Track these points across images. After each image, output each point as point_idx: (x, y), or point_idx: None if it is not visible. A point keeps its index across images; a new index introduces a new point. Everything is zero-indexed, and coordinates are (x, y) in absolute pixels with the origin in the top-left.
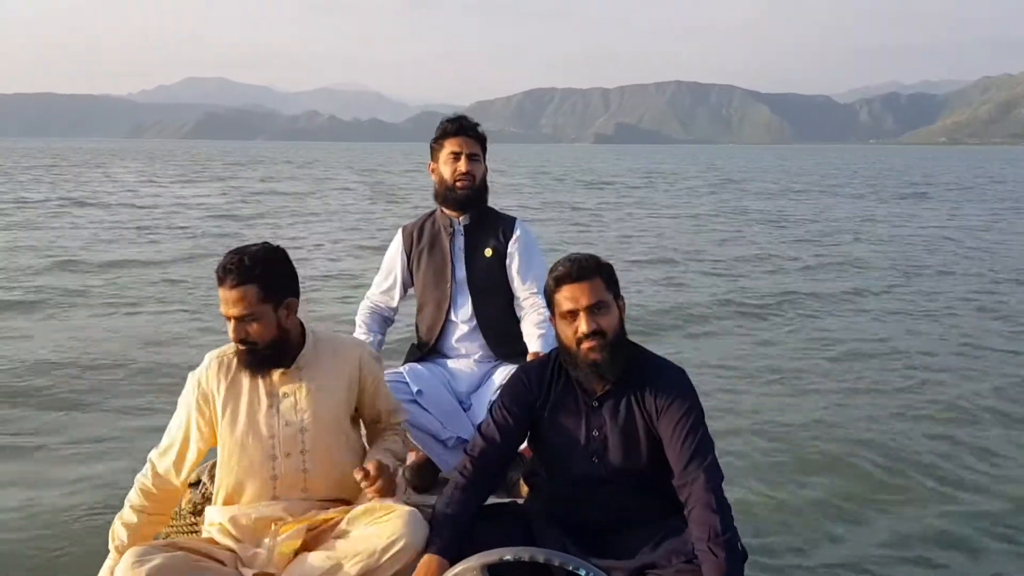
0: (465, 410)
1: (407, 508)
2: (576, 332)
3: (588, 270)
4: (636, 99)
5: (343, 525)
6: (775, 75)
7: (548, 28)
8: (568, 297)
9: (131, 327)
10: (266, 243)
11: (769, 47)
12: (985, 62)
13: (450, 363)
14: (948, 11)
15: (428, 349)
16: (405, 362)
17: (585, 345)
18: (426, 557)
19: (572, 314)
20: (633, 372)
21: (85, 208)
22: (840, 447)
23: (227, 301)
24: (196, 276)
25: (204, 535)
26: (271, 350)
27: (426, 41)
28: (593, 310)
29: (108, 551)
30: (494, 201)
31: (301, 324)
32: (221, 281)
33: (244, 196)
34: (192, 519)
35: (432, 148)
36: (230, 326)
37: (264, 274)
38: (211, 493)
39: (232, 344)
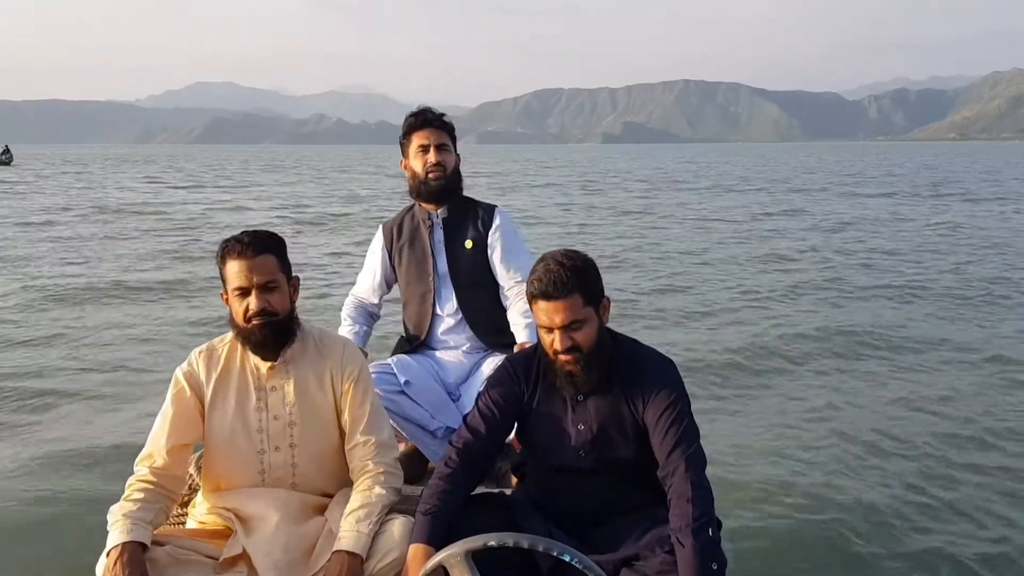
0: (454, 401)
1: (402, 519)
2: (552, 344)
3: (564, 287)
4: (643, 98)
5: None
6: (783, 72)
7: (554, 28)
8: (543, 312)
9: None
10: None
11: (776, 44)
12: (995, 57)
13: (438, 354)
14: (956, 5)
15: (417, 343)
16: (393, 354)
17: (561, 358)
18: (412, 547)
19: (548, 327)
20: (620, 365)
21: None
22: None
23: (249, 270)
24: None
25: (189, 526)
26: (287, 324)
27: (432, 43)
28: (568, 328)
29: None
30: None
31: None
32: (239, 253)
33: None
34: (178, 510)
35: (402, 145)
36: (248, 300)
37: (279, 247)
38: (199, 485)
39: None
